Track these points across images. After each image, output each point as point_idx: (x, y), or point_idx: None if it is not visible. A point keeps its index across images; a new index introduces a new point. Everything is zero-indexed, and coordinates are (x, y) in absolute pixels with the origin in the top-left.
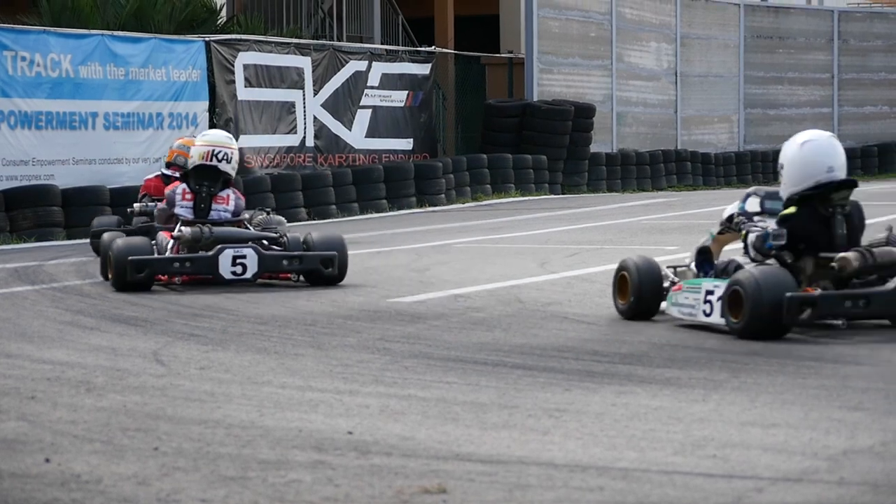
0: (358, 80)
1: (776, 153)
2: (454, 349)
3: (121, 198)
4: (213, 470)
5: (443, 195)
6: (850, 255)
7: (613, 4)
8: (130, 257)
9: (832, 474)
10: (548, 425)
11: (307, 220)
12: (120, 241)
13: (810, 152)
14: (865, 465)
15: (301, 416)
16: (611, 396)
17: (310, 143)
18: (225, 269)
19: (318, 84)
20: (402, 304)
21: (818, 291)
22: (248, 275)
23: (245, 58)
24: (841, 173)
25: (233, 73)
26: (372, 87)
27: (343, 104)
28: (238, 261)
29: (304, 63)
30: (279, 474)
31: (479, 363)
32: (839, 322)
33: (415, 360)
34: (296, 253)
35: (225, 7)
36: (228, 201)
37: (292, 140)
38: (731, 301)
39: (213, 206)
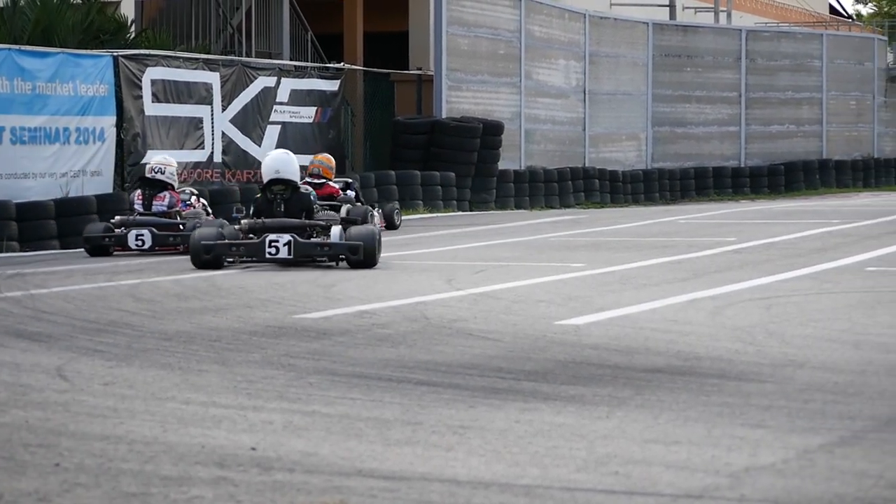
0: (267, 95)
1: (684, 171)
2: (359, 365)
3: (28, 212)
4: (114, 486)
5: None
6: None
7: (522, 22)
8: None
9: (733, 491)
10: (451, 442)
11: None
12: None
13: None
14: (766, 483)
15: (204, 432)
16: (515, 413)
17: (218, 158)
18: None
19: (227, 100)
20: (308, 320)
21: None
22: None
23: (153, 73)
24: (284, 175)
25: (141, 88)
26: (281, 103)
27: (252, 120)
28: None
29: (213, 78)
30: (181, 490)
31: (383, 379)
32: None
33: (319, 376)
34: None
35: (134, 21)
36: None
37: (200, 155)
38: None
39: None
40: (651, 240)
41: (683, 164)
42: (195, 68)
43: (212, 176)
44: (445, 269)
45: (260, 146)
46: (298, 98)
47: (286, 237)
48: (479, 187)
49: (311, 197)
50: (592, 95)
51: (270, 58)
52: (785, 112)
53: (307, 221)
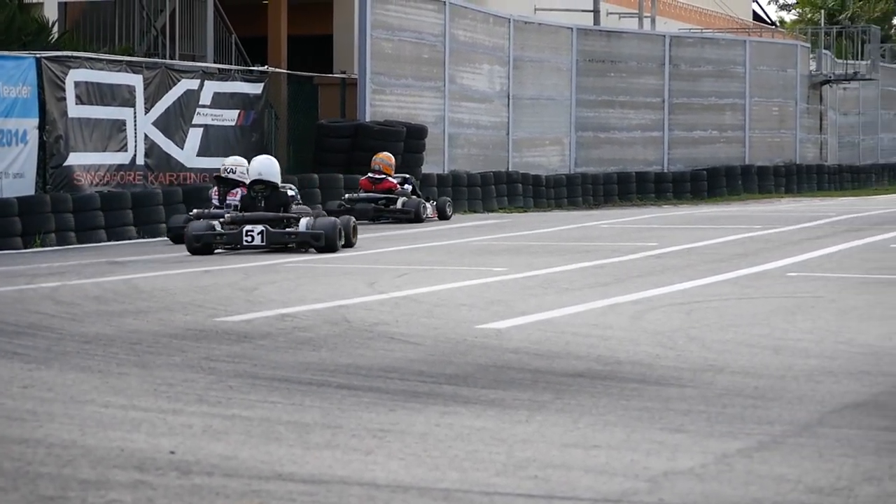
0: (190, 98)
1: (607, 176)
2: (279, 369)
3: None
4: (32, 490)
5: None
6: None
7: (447, 26)
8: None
9: (652, 495)
10: (371, 445)
11: (137, 238)
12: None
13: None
14: (685, 487)
15: (123, 436)
16: (435, 417)
17: (140, 161)
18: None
19: (150, 102)
20: (229, 323)
21: None
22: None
23: (76, 75)
24: (265, 177)
25: (64, 90)
26: (204, 106)
27: (175, 122)
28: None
29: (136, 81)
30: (99, 494)
31: (304, 383)
32: None
33: (240, 379)
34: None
35: (56, 23)
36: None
37: (123, 158)
38: None
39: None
40: (573, 244)
41: (607, 168)
42: (118, 70)
43: (134, 178)
44: (368, 272)
45: (182, 149)
46: (221, 101)
47: (260, 227)
48: None
49: (289, 195)
50: (516, 100)
51: (194, 60)
52: (708, 118)
53: (279, 214)
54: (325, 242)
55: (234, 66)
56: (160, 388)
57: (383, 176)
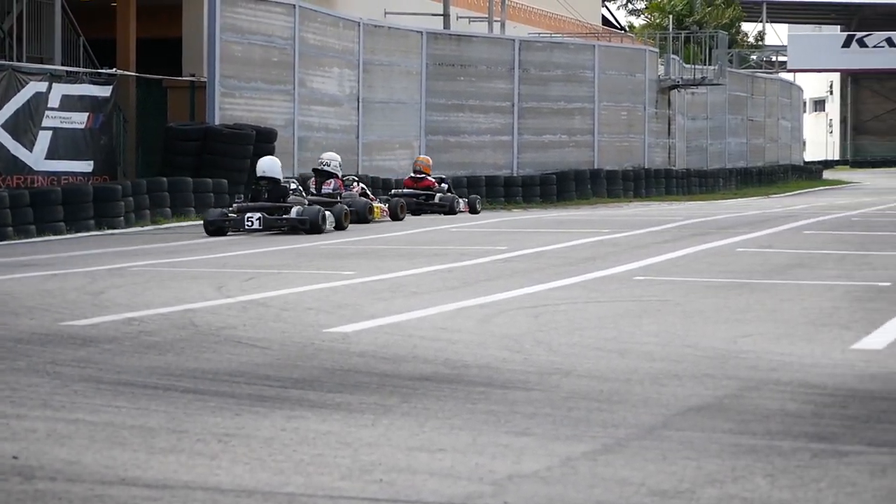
0: (38, 101)
1: (456, 180)
2: (125, 373)
3: None
4: None
5: (122, 218)
6: None
7: (297, 29)
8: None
9: (496, 499)
10: (216, 450)
11: None
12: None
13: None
14: (530, 490)
15: None
16: (281, 421)
17: None
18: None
19: None
20: (75, 327)
21: None
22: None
23: None
24: (268, 174)
25: None
26: (52, 109)
27: (23, 125)
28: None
29: None
30: None
31: (149, 387)
32: None
33: (85, 383)
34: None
35: None
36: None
37: None
38: None
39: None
40: (422, 248)
41: (456, 172)
42: None
43: None
44: (215, 276)
45: (31, 151)
46: (70, 104)
47: (258, 214)
48: None
49: (291, 188)
50: (366, 103)
51: (42, 63)
52: (557, 122)
53: (276, 204)
54: (309, 226)
55: (82, 69)
56: (3, 392)
57: (423, 175)
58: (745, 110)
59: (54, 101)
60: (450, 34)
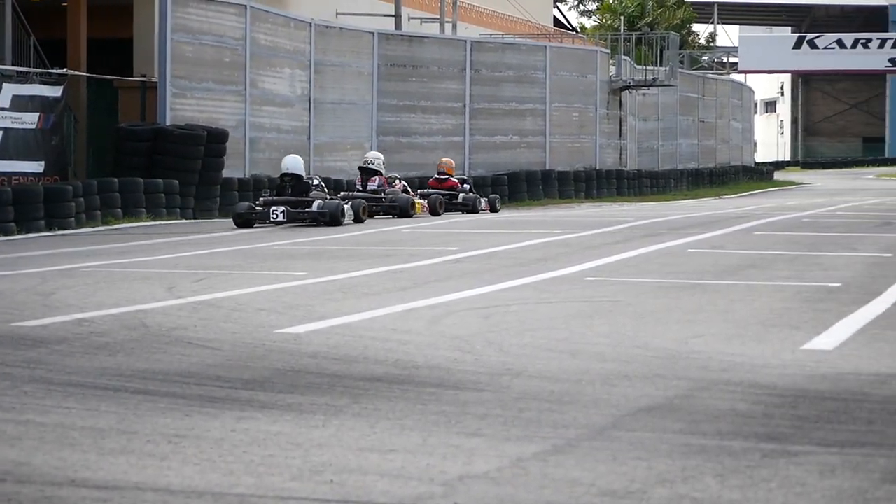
0: None
1: (408, 181)
2: (75, 374)
3: None
4: None
5: (73, 219)
6: None
7: (248, 30)
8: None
9: (447, 500)
10: (166, 451)
11: None
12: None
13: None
14: (480, 491)
15: None
16: (231, 422)
17: None
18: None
19: None
20: (25, 328)
21: None
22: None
23: None
24: (291, 170)
25: None
26: (3, 109)
27: None
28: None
29: None
30: None
31: (100, 388)
32: None
33: (35, 384)
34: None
35: None
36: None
37: None
38: None
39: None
40: (373, 248)
41: (408, 173)
42: None
43: None
44: (166, 276)
45: None
46: (20, 104)
47: (282, 207)
48: (203, 195)
49: (314, 184)
50: (318, 104)
51: None
52: (509, 123)
53: (298, 198)
54: (329, 218)
55: (32, 69)
56: None
57: (447, 176)
58: (696, 111)
59: (4, 101)
60: (401, 35)
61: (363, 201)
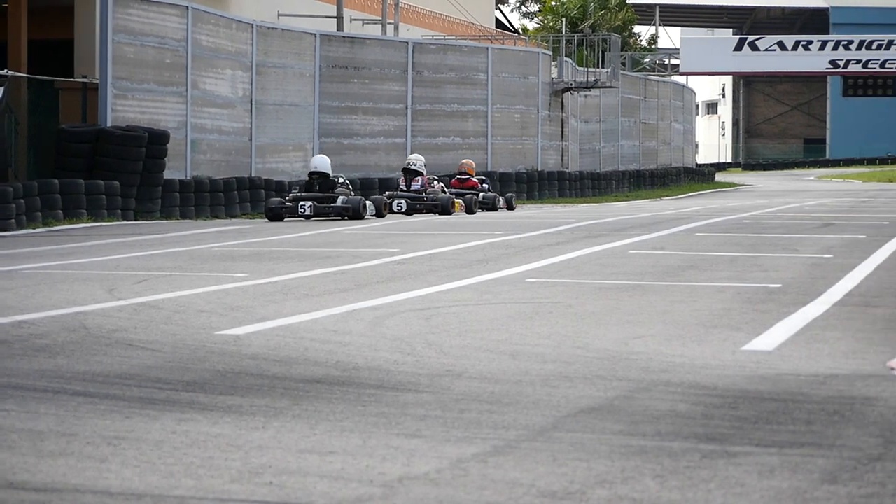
0: None
1: (350, 181)
2: (14, 376)
3: None
4: None
5: (13, 220)
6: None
7: (189, 31)
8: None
9: (386, 501)
10: (106, 453)
11: None
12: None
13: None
14: (420, 492)
15: None
16: (171, 424)
17: None
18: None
19: None
20: None
21: None
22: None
23: None
24: (319, 169)
25: None
26: None
27: None
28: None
29: None
30: None
31: (39, 390)
32: None
33: None
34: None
35: None
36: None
37: None
38: None
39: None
40: (315, 250)
41: (350, 174)
42: None
43: None
44: (107, 278)
45: None
46: None
47: (310, 202)
48: (144, 197)
49: (339, 182)
50: (259, 106)
51: None
52: (451, 124)
53: (324, 194)
54: (352, 213)
55: None
56: None
57: (468, 176)
58: (637, 113)
59: None
60: (343, 36)
61: (383, 198)
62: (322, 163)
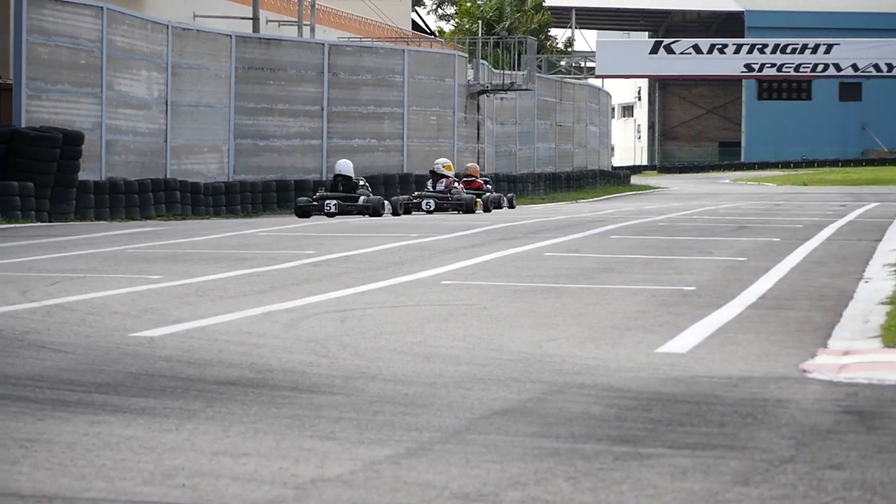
0: None
1: (266, 184)
2: None
3: None
4: None
5: None
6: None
7: (104, 32)
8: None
9: (299, 503)
10: (17, 455)
11: None
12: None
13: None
14: (332, 494)
15: None
16: (84, 426)
17: None
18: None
19: None
20: None
21: None
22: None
23: None
24: (342, 172)
25: None
26: None
27: None
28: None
29: None
30: None
31: None
32: None
33: None
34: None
35: None
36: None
37: None
38: None
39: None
40: (231, 252)
41: (265, 176)
42: None
43: None
44: (20, 280)
45: None
46: None
47: (334, 201)
48: (58, 198)
49: (360, 184)
50: (175, 107)
51: None
52: (367, 126)
53: (348, 194)
54: (372, 211)
55: None
56: None
57: (473, 178)
58: (553, 115)
59: None
60: (259, 38)
61: (400, 198)
62: (346, 167)
